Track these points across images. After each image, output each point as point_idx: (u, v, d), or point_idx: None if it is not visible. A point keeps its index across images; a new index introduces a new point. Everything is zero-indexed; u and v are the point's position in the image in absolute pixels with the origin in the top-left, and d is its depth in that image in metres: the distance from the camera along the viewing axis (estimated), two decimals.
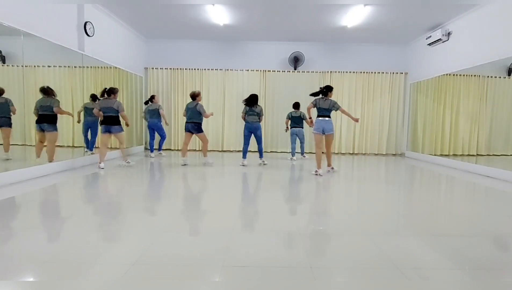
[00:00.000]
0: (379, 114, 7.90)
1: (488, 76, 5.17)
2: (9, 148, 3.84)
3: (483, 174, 4.96)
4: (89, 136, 5.47)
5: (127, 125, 5.30)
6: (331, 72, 7.88)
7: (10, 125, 3.80)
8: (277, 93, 7.89)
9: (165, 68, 7.92)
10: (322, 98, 4.76)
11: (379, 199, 3.42)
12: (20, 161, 4.03)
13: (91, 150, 5.51)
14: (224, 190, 3.68)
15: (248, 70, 7.90)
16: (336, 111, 4.75)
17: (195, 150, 8.02)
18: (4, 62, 3.75)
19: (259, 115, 5.46)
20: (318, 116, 4.78)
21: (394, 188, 4.05)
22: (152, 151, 6.63)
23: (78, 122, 5.13)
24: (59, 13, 4.72)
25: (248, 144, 5.63)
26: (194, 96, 5.31)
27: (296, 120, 6.42)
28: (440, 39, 6.24)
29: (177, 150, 7.98)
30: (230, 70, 7.91)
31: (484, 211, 2.97)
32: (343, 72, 7.88)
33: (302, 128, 6.47)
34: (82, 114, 5.21)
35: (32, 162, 4.16)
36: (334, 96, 7.86)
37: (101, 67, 5.87)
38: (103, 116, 4.89)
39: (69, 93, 5.00)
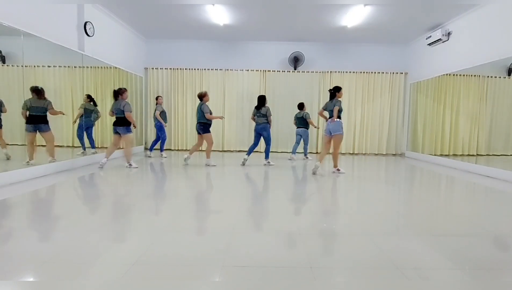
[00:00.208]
0: (379, 114, 7.91)
1: (488, 76, 5.17)
2: (6, 146, 3.83)
3: (483, 174, 4.96)
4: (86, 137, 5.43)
5: (133, 126, 5.19)
6: (331, 72, 7.89)
7: (1, 126, 3.78)
8: (277, 93, 7.90)
9: (165, 68, 7.92)
10: (330, 100, 4.84)
11: (379, 199, 3.42)
12: (22, 161, 4.03)
13: (93, 147, 5.51)
14: (224, 190, 3.68)
15: (248, 70, 7.90)
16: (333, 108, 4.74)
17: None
18: (4, 62, 3.75)
19: (266, 116, 5.49)
20: (328, 117, 4.86)
21: (394, 188, 4.05)
22: (151, 151, 6.64)
23: (74, 122, 5.10)
24: (59, 13, 4.72)
25: (256, 144, 5.68)
26: (201, 96, 5.32)
27: (299, 121, 6.54)
28: (440, 39, 6.24)
29: (177, 150, 7.98)
30: (230, 70, 7.91)
31: (484, 211, 2.97)
32: (343, 72, 7.88)
33: (307, 128, 6.53)
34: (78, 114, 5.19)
35: (29, 162, 4.16)
36: None
37: (101, 67, 5.87)
38: (116, 117, 4.95)
39: (69, 93, 5.00)
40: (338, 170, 4.91)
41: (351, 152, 8.03)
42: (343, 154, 7.95)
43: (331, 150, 4.99)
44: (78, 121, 5.19)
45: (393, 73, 7.85)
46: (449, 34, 6.18)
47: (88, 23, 5.32)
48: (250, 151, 5.63)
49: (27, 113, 4.06)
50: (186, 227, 2.30)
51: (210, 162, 5.46)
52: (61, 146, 4.91)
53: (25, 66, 3.96)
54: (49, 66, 4.57)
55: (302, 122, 6.52)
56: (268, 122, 5.51)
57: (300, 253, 1.84)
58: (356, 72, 7.86)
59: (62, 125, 4.91)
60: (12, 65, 3.84)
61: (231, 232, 2.18)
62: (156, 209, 2.79)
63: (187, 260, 1.72)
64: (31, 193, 3.30)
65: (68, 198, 3.19)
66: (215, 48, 7.92)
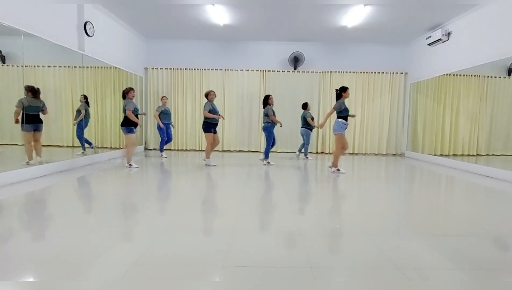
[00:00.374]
0: (379, 114, 7.91)
1: (488, 76, 5.17)
2: None
3: (483, 174, 4.96)
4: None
5: (138, 125, 5.15)
6: (331, 72, 7.89)
7: None
8: (277, 93, 7.88)
9: (165, 68, 7.92)
10: (336, 100, 4.89)
11: (379, 199, 3.42)
12: (22, 161, 4.03)
13: (90, 145, 5.46)
14: (224, 190, 3.68)
15: (248, 70, 7.90)
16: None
17: (195, 150, 8.02)
18: (4, 62, 3.75)
19: (267, 115, 5.54)
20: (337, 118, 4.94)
21: (394, 188, 4.05)
22: (162, 151, 6.73)
23: (76, 124, 5.10)
24: (59, 13, 4.72)
25: (272, 144, 5.76)
26: (205, 95, 5.38)
27: (302, 121, 6.63)
28: (440, 39, 6.24)
29: (177, 150, 7.98)
30: (230, 70, 7.91)
31: (484, 211, 2.97)
32: (343, 72, 7.88)
33: (308, 129, 6.57)
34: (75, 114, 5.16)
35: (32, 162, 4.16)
36: (334, 96, 7.90)
37: (101, 67, 5.87)
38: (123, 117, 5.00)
39: (69, 93, 5.00)
40: (338, 170, 4.91)
41: (351, 152, 8.03)
42: (343, 154, 7.93)
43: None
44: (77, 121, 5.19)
45: (393, 73, 7.85)
46: (449, 34, 6.18)
47: (88, 23, 5.32)
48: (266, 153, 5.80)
49: (21, 112, 3.98)
50: (186, 227, 2.30)
51: (210, 162, 5.45)
52: (61, 146, 4.91)
53: (25, 66, 3.96)
54: (49, 66, 4.57)
55: (304, 122, 6.56)
56: (270, 122, 5.53)
57: (300, 253, 1.84)
58: (356, 72, 7.86)
59: (62, 125, 4.91)
60: (12, 65, 3.84)
61: (231, 232, 2.18)
62: (156, 209, 2.79)
63: (187, 260, 1.72)
64: (31, 193, 3.30)
65: (68, 198, 3.19)
66: (215, 48, 7.92)
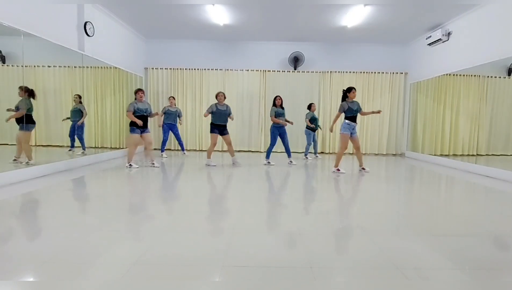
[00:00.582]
0: (379, 114, 7.89)
1: (488, 76, 5.17)
2: None
3: (483, 174, 4.96)
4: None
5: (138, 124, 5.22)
6: (331, 72, 7.88)
7: None
8: (277, 93, 7.79)
9: (165, 68, 7.92)
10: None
11: (379, 199, 3.42)
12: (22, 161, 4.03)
13: (82, 148, 5.40)
14: (224, 190, 3.68)
15: (248, 70, 7.90)
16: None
17: (195, 149, 8.02)
18: (4, 62, 3.75)
19: (271, 116, 5.68)
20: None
21: (394, 188, 4.05)
22: (183, 150, 6.93)
23: (80, 123, 5.10)
24: (59, 13, 4.72)
25: (284, 144, 5.83)
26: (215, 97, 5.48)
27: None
28: (440, 39, 6.24)
29: (177, 150, 7.97)
30: (230, 70, 7.91)
31: (484, 211, 2.96)
32: (343, 72, 7.88)
33: (309, 129, 6.61)
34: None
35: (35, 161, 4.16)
36: (334, 96, 7.94)
37: (101, 67, 5.87)
38: None
39: (69, 93, 5.00)
40: (338, 170, 4.91)
41: (351, 152, 8.02)
42: (343, 154, 7.93)
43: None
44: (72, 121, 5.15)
45: (393, 73, 7.85)
46: (449, 34, 6.18)
47: (88, 23, 5.32)
48: (287, 151, 5.87)
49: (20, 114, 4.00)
50: (186, 227, 2.30)
51: (210, 162, 5.46)
52: (61, 146, 4.91)
53: (25, 66, 3.96)
54: (49, 66, 4.57)
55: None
56: (273, 122, 5.63)
57: (300, 253, 1.84)
58: (356, 72, 7.86)
59: (62, 126, 4.91)
60: (12, 65, 3.84)
61: (231, 232, 2.18)
62: (155, 209, 2.79)
63: (187, 260, 1.72)
64: (31, 193, 3.30)
65: (68, 198, 3.19)
66: (215, 48, 7.92)
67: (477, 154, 5.35)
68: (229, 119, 5.48)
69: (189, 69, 7.89)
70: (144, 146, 5.31)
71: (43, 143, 4.57)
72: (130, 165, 5.06)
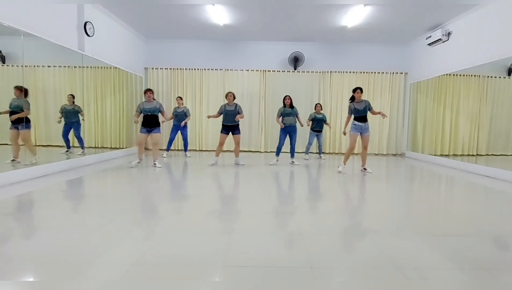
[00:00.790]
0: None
1: (488, 76, 5.17)
2: None
3: (483, 174, 4.96)
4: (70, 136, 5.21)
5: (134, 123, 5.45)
6: (331, 72, 7.88)
7: None
8: (277, 93, 7.88)
9: (165, 68, 7.92)
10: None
11: (379, 199, 3.42)
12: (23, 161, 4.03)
13: (81, 147, 5.32)
14: (223, 190, 3.68)
15: (248, 70, 7.90)
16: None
17: (195, 149, 8.02)
18: (4, 62, 3.75)
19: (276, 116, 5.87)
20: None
21: (394, 188, 4.05)
22: (185, 151, 6.93)
23: (59, 122, 4.90)
24: (59, 13, 4.72)
25: (290, 144, 5.90)
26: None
27: None
28: (440, 39, 6.24)
29: (177, 150, 7.97)
30: (230, 70, 7.91)
31: (484, 211, 2.96)
32: (343, 72, 7.88)
33: (311, 129, 6.68)
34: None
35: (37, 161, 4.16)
36: (334, 97, 7.95)
37: (101, 67, 5.87)
38: None
39: (69, 93, 5.00)
40: (340, 167, 5.05)
41: (357, 153, 8.03)
42: (343, 154, 7.93)
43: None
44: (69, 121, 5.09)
45: (393, 73, 7.85)
46: (449, 34, 6.18)
47: (88, 23, 5.32)
48: (291, 151, 5.95)
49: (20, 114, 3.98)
50: (186, 227, 2.30)
51: (214, 160, 5.60)
52: (61, 146, 4.91)
53: (25, 66, 3.96)
54: (49, 66, 4.57)
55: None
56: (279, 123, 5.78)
57: (300, 253, 1.84)
58: (356, 72, 7.86)
59: (62, 126, 4.90)
60: (12, 65, 3.84)
61: (231, 232, 2.18)
62: (156, 209, 2.79)
63: (187, 260, 1.72)
64: (31, 193, 3.30)
65: (68, 198, 3.19)
66: (215, 48, 7.92)
67: (477, 154, 5.35)
68: (238, 118, 5.43)
69: (189, 69, 7.89)
70: (152, 145, 5.34)
71: (43, 143, 4.57)
72: (138, 162, 5.20)
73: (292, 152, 5.93)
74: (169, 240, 2.02)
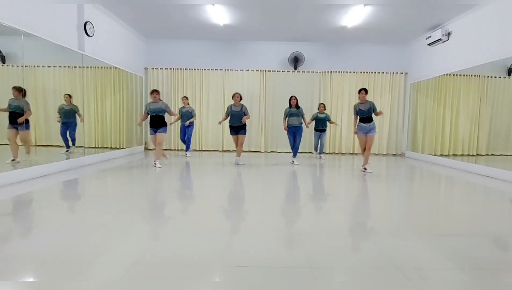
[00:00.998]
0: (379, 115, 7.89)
1: (488, 76, 5.17)
2: None
3: (483, 174, 4.96)
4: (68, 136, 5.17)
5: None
6: (331, 72, 7.88)
7: None
8: (277, 93, 7.89)
9: (165, 68, 7.92)
10: None
11: (378, 199, 3.42)
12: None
13: (72, 145, 5.20)
14: (223, 190, 3.68)
15: (248, 70, 7.90)
16: None
17: (195, 150, 8.02)
18: (4, 62, 3.75)
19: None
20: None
21: (394, 188, 4.05)
22: (187, 150, 6.94)
23: (58, 121, 4.89)
24: (59, 13, 4.72)
25: (294, 143, 5.96)
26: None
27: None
28: (440, 39, 6.24)
29: (177, 150, 7.97)
30: (230, 70, 7.91)
31: (484, 211, 2.96)
32: (343, 72, 7.88)
33: (323, 131, 6.80)
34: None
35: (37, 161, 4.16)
36: (334, 96, 7.95)
37: (101, 67, 5.87)
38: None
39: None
40: (365, 169, 5.08)
41: (351, 152, 8.03)
42: (343, 154, 7.95)
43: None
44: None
45: (393, 73, 7.85)
46: (449, 34, 6.18)
47: (88, 23, 5.32)
48: (294, 150, 6.01)
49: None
50: (186, 227, 2.30)
51: (238, 161, 5.70)
52: (61, 146, 4.91)
53: (25, 66, 3.96)
54: (49, 66, 4.57)
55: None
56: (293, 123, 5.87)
57: (300, 253, 1.84)
58: (356, 72, 7.86)
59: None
60: (12, 65, 3.84)
61: (231, 232, 2.17)
62: (155, 209, 2.79)
63: (187, 260, 1.72)
64: (31, 193, 3.30)
65: (68, 198, 3.19)
66: (215, 48, 7.92)
67: (477, 154, 5.35)
68: (243, 119, 5.43)
69: (189, 69, 7.88)
70: (156, 145, 5.35)
71: (43, 143, 4.57)
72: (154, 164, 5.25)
73: (295, 152, 5.95)
74: (169, 240, 2.02)
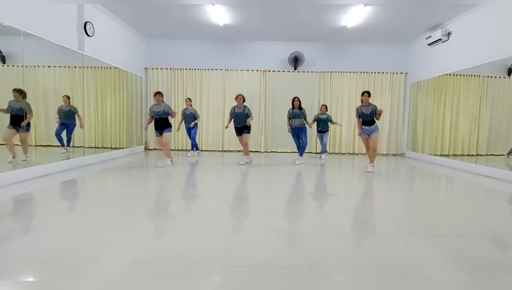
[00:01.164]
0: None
1: (488, 76, 5.17)
2: None
3: (483, 174, 4.96)
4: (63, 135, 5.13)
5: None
6: (331, 72, 7.88)
7: None
8: (277, 93, 7.89)
9: (165, 68, 7.92)
10: None
11: (378, 199, 3.42)
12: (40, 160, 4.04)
13: (68, 146, 5.19)
14: (223, 190, 3.68)
15: (248, 70, 7.90)
16: None
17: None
18: (4, 62, 3.75)
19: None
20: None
21: (394, 188, 4.04)
22: (192, 149, 7.14)
23: (58, 122, 4.88)
24: (59, 13, 4.72)
25: (299, 143, 6.02)
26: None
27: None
28: (440, 39, 6.24)
29: (177, 150, 7.97)
30: (230, 70, 7.91)
31: (484, 211, 2.96)
32: (343, 72, 7.88)
33: (324, 132, 6.83)
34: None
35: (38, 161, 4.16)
36: (334, 96, 7.95)
37: (101, 67, 5.87)
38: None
39: (69, 94, 5.00)
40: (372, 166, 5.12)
41: (351, 152, 8.03)
42: (343, 154, 7.95)
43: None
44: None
45: (393, 73, 7.85)
46: (449, 34, 6.18)
47: (88, 23, 5.32)
48: (299, 150, 6.09)
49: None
50: (186, 227, 2.30)
51: (245, 159, 5.80)
52: (61, 146, 4.91)
53: (25, 66, 3.96)
54: (49, 66, 4.57)
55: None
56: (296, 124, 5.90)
57: (300, 253, 1.84)
58: (356, 72, 7.86)
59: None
60: (12, 65, 3.84)
61: (231, 232, 2.17)
62: (155, 209, 2.79)
63: (187, 260, 1.72)
64: (31, 193, 3.30)
65: (68, 198, 3.19)
66: (215, 48, 7.92)
67: (477, 154, 5.35)
68: (248, 121, 5.49)
69: (189, 69, 7.88)
70: (162, 146, 5.44)
71: (43, 143, 4.57)
72: (171, 162, 5.40)
73: (301, 151, 6.02)
74: (169, 240, 2.02)
